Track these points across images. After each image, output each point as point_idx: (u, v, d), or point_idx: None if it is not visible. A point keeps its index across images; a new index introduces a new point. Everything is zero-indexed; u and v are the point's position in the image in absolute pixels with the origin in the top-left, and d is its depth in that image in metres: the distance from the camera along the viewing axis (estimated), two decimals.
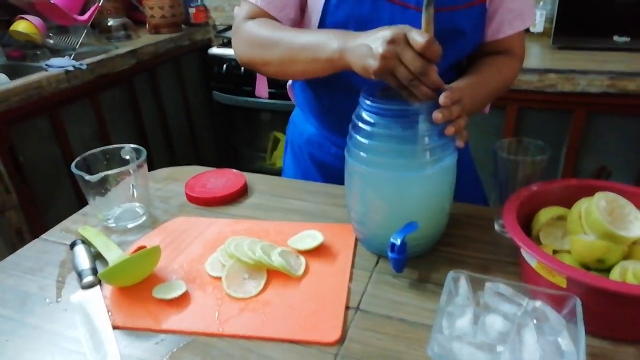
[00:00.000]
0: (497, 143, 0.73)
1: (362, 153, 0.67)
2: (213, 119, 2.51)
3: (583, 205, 0.61)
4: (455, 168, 0.70)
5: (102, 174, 0.75)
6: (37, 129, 1.68)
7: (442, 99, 0.61)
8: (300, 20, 0.88)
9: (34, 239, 0.80)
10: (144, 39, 2.23)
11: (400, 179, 0.66)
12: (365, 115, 0.66)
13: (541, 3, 1.93)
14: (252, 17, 0.84)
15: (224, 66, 2.15)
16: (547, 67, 1.57)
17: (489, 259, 0.71)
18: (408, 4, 0.78)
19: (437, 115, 0.63)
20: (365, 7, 0.79)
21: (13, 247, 1.23)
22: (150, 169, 0.93)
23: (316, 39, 0.71)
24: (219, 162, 2.60)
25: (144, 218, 0.83)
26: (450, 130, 0.64)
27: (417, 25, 0.76)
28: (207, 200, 0.87)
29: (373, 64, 0.60)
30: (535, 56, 1.74)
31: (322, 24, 0.83)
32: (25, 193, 1.61)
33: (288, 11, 0.84)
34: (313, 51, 0.71)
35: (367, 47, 0.61)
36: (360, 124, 0.67)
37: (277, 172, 1.09)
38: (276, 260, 0.67)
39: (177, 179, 0.96)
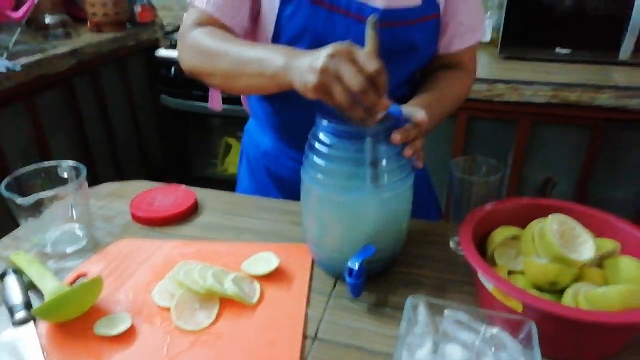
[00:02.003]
0: (452, 162, 0.73)
1: (318, 174, 0.65)
2: (161, 124, 2.41)
3: (536, 227, 0.61)
4: (412, 189, 0.69)
5: (35, 197, 0.69)
6: None
7: (394, 135, 0.61)
8: (254, 30, 0.85)
9: None
10: (85, 38, 2.10)
11: (357, 201, 0.64)
12: (321, 135, 0.64)
13: (489, 13, 1.99)
14: (201, 24, 0.79)
15: (172, 69, 2.07)
16: (495, 77, 1.61)
17: (446, 279, 0.70)
18: (363, 17, 0.77)
19: (395, 136, 0.62)
20: (319, 20, 0.77)
21: None
22: (94, 181, 0.86)
23: (263, 54, 0.67)
24: (169, 169, 2.51)
25: (84, 241, 0.77)
26: (408, 152, 0.64)
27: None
28: (154, 220, 0.82)
29: (309, 78, 0.56)
30: (483, 65, 1.78)
31: (277, 36, 0.80)
32: None
33: (240, 19, 0.80)
34: (259, 66, 0.67)
35: (309, 63, 0.57)
36: (317, 145, 0.65)
37: (230, 179, 1.05)
38: (229, 288, 0.64)
39: (121, 196, 0.90)
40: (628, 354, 0.57)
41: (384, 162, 0.63)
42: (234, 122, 1.87)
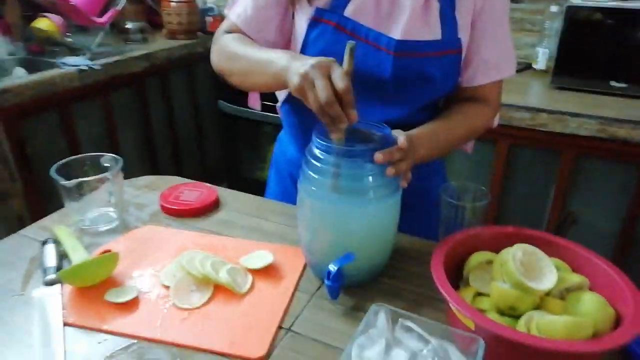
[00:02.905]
0: (442, 187, 0.77)
1: (312, 187, 0.72)
2: (219, 127, 2.59)
3: (504, 254, 0.65)
4: (399, 206, 0.74)
5: (77, 180, 0.81)
6: (47, 124, 1.77)
7: (377, 155, 0.67)
8: (285, 45, 0.94)
9: None
10: (159, 43, 2.31)
11: (344, 212, 0.71)
12: (316, 152, 0.71)
13: (545, 41, 1.96)
14: (231, 31, 0.91)
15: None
16: (541, 107, 1.59)
17: (425, 295, 0.75)
18: (379, 45, 0.83)
19: (377, 156, 0.68)
20: (340, 44, 0.84)
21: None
22: (155, 172, 0.99)
23: (270, 57, 0.77)
24: (222, 169, 2.67)
25: (116, 223, 0.89)
26: (390, 171, 0.69)
27: (386, 66, 0.82)
28: (177, 212, 0.93)
29: (294, 80, 0.66)
30: (533, 94, 1.77)
31: (302, 53, 0.89)
32: (30, 182, 1.70)
33: (265, 34, 0.90)
34: (264, 67, 0.77)
35: (298, 66, 0.67)
36: (311, 160, 0.72)
37: None
38: (223, 276, 0.73)
39: (155, 188, 1.02)
40: None
41: (370, 179, 0.69)
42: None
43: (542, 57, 1.95)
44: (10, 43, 2.01)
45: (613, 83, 1.69)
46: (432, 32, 0.82)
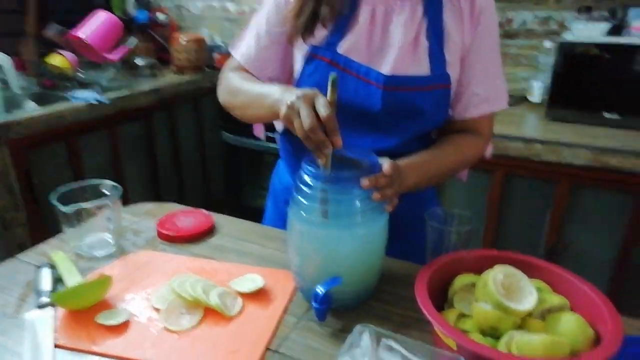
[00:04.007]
0: (427, 212, 0.79)
1: (301, 211, 0.74)
2: (223, 158, 2.64)
3: (485, 275, 0.66)
4: (386, 230, 0.76)
5: (75, 206, 0.84)
6: (54, 155, 1.83)
7: (363, 181, 0.70)
8: (285, 80, 0.99)
9: None
10: (167, 78, 2.40)
11: (332, 236, 0.73)
12: (305, 178, 0.74)
13: (540, 75, 2.00)
14: (236, 69, 0.98)
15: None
16: (533, 137, 1.62)
17: (412, 317, 0.75)
18: (369, 79, 0.86)
19: (364, 182, 0.70)
20: None
21: None
22: (158, 201, 1.02)
23: (265, 91, 0.83)
24: (224, 197, 2.71)
25: (113, 249, 0.92)
26: (375, 196, 0.71)
27: (376, 99, 0.85)
28: (172, 238, 0.95)
29: (282, 109, 0.71)
30: (528, 126, 1.80)
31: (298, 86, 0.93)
32: (34, 212, 1.74)
33: (267, 71, 0.97)
34: (261, 100, 0.83)
35: (286, 98, 0.72)
36: (301, 186, 0.74)
37: None
38: (213, 299, 0.74)
39: (153, 215, 1.05)
40: None
41: (357, 204, 0.71)
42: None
43: (537, 91, 1.99)
44: (25, 78, 2.09)
45: (606, 115, 1.72)
46: (421, 67, 0.85)
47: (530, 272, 0.68)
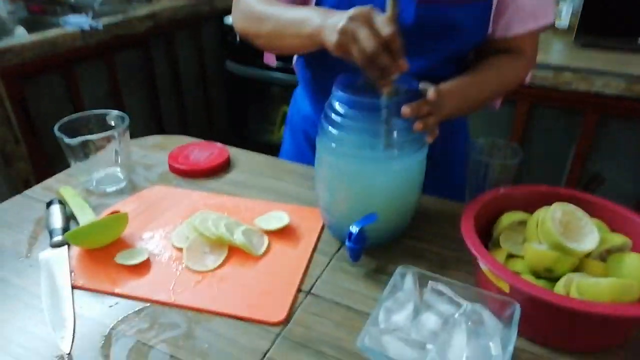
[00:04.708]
0: (472, 142, 0.72)
1: (332, 143, 0.67)
2: (227, 89, 2.52)
3: (541, 213, 0.60)
4: (424, 163, 0.70)
5: (81, 138, 0.77)
6: (50, 85, 1.72)
7: (404, 109, 0.62)
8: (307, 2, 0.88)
9: None
10: (163, 3, 2.23)
11: (366, 171, 0.66)
12: (336, 105, 0.66)
13: None
14: None
15: (238, 35, 2.15)
16: (563, 65, 1.52)
17: (449, 256, 0.71)
18: None
19: (405, 110, 0.63)
20: None
21: None
22: (161, 133, 0.94)
23: (301, 16, 0.71)
24: (230, 131, 2.63)
25: (123, 183, 0.86)
26: (418, 126, 0.64)
27: (409, 13, 0.76)
28: (187, 172, 0.89)
29: (332, 38, 0.61)
30: (556, 52, 1.69)
31: (318, 4, 0.82)
32: (35, 145, 1.66)
33: None
34: (297, 27, 0.72)
35: (334, 23, 0.61)
36: (331, 114, 0.67)
37: None
38: (238, 237, 0.69)
39: (163, 148, 0.98)
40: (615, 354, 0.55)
41: (394, 134, 0.64)
42: (293, 92, 1.92)
43: (566, 14, 1.85)
44: (11, 2, 1.93)
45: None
46: None
47: (585, 208, 0.62)
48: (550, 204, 0.64)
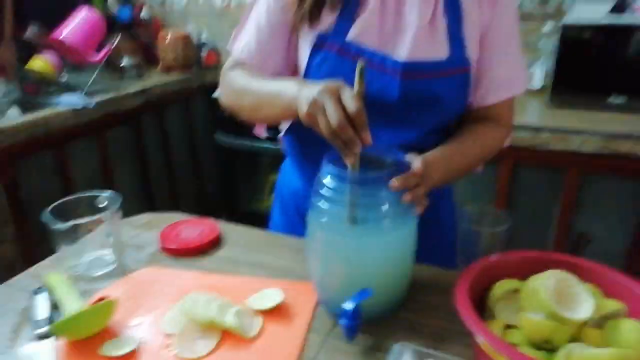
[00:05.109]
0: (461, 210, 0.73)
1: (323, 218, 0.68)
2: (217, 160, 2.56)
3: (535, 282, 0.60)
4: (415, 234, 0.70)
5: (71, 223, 0.77)
6: (41, 165, 1.73)
7: (393, 181, 0.64)
8: (290, 73, 0.91)
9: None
10: (154, 79, 2.30)
11: (358, 245, 0.66)
12: (327, 181, 0.67)
13: (541, 58, 1.96)
14: (237, 66, 0.89)
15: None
16: (541, 125, 1.57)
17: (446, 328, 0.69)
18: (385, 68, 0.80)
19: (393, 182, 0.64)
20: (344, 69, 0.82)
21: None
22: (152, 209, 0.95)
23: (278, 88, 0.75)
24: (221, 202, 2.63)
25: (113, 266, 0.84)
26: (407, 197, 0.65)
27: (393, 88, 0.79)
28: (178, 251, 0.88)
29: (303, 107, 0.64)
30: (531, 113, 1.75)
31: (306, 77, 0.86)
32: (23, 227, 1.65)
33: (271, 66, 0.88)
34: (274, 99, 0.75)
35: (307, 94, 0.64)
36: (322, 190, 0.68)
37: None
38: (229, 320, 0.67)
39: (154, 227, 0.97)
40: None
41: (385, 207, 0.65)
42: (282, 161, 1.95)
43: (539, 75, 1.94)
44: (5, 85, 1.99)
45: (611, 99, 1.68)
46: (439, 51, 0.79)
47: (578, 274, 0.62)
48: (542, 269, 0.65)
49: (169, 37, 2.36)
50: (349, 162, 0.64)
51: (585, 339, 0.56)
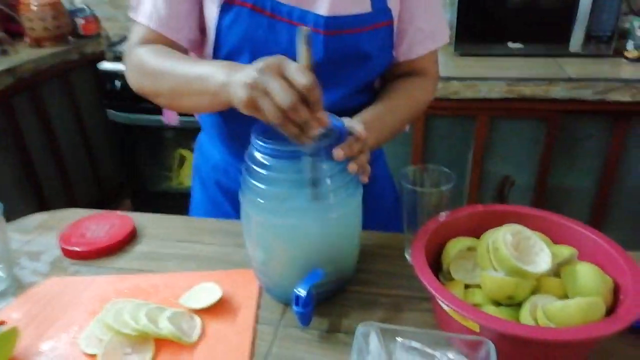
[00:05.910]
0: (402, 172, 0.69)
1: (258, 199, 0.60)
2: (111, 140, 2.31)
3: (490, 238, 0.58)
4: (361, 206, 0.65)
5: None
6: None
7: (337, 151, 0.57)
8: (202, 41, 0.79)
9: None
10: (23, 55, 1.99)
11: (301, 225, 0.60)
12: (258, 156, 0.59)
13: (446, 10, 1.98)
14: (147, 40, 0.75)
15: (119, 82, 1.97)
16: (450, 75, 1.59)
17: (402, 296, 0.66)
18: (306, 24, 0.72)
19: (338, 153, 0.58)
20: (260, 29, 0.72)
21: None
22: (42, 206, 0.79)
23: (203, 72, 0.63)
24: (123, 186, 2.41)
25: (5, 284, 0.69)
26: (352, 167, 0.59)
27: (317, 46, 0.71)
28: (86, 254, 0.75)
29: (239, 93, 0.54)
30: (440, 63, 1.77)
31: (218, 47, 0.75)
32: None
33: (186, 32, 0.75)
34: (199, 85, 0.63)
35: (241, 78, 0.54)
36: (254, 167, 0.59)
37: (186, 192, 1.00)
38: (164, 327, 0.58)
39: (51, 228, 0.83)
40: None
41: (327, 180, 0.59)
42: (188, 134, 1.79)
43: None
44: None
45: (510, 44, 1.75)
46: (361, 4, 0.73)
47: (526, 224, 0.61)
48: (490, 223, 0.63)
49: (34, 4, 2.03)
50: (303, 147, 0.55)
51: (546, 290, 0.56)
